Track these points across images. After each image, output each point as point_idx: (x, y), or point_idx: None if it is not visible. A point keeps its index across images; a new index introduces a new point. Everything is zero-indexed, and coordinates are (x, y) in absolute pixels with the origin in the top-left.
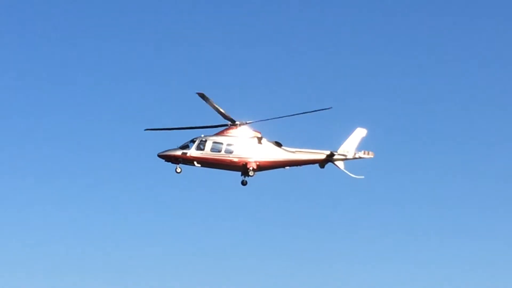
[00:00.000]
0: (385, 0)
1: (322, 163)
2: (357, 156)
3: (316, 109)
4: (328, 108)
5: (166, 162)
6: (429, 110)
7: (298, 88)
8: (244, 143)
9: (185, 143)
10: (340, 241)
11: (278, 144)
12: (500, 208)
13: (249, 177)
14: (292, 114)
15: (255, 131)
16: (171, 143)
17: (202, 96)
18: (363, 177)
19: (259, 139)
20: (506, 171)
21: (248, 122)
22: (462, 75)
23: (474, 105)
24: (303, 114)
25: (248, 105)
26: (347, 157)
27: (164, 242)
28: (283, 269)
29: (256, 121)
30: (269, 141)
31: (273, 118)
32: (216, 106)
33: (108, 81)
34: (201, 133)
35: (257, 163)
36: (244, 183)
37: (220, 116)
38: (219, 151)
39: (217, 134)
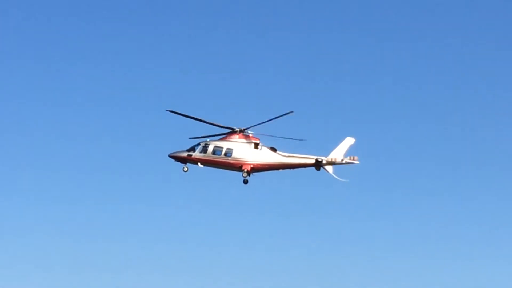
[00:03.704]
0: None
1: (315, 166)
2: (344, 161)
3: (280, 115)
4: (290, 112)
5: (175, 162)
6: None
7: (293, 101)
8: (241, 148)
9: (192, 146)
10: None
11: (274, 149)
12: (484, 216)
13: (245, 177)
14: (263, 122)
15: (254, 137)
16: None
17: (173, 112)
18: (347, 180)
19: (256, 145)
20: (488, 178)
21: (248, 128)
22: (446, 83)
23: (455, 113)
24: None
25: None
26: (335, 162)
27: (170, 236)
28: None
29: (253, 126)
30: (265, 146)
31: (255, 125)
32: (191, 116)
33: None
34: (212, 128)
35: (252, 166)
36: (245, 181)
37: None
38: (220, 154)
39: (220, 140)
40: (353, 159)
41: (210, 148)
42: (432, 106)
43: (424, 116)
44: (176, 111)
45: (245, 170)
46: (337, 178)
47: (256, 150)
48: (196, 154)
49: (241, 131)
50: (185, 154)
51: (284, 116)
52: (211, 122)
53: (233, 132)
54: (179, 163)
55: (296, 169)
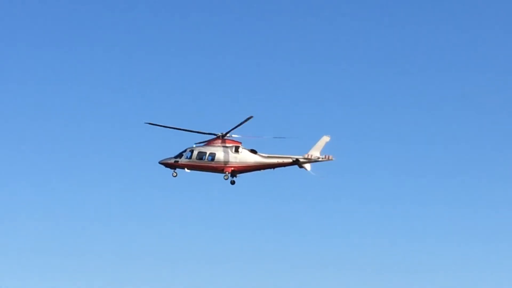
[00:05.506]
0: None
1: (297, 165)
2: (320, 159)
3: (242, 121)
4: (250, 117)
5: (166, 168)
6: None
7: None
8: (222, 152)
9: (179, 153)
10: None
11: (254, 151)
12: (454, 212)
13: (226, 179)
14: (232, 128)
15: (235, 141)
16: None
17: (151, 124)
18: (324, 177)
19: (236, 148)
20: (456, 175)
21: (228, 133)
22: (421, 82)
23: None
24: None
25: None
26: (312, 160)
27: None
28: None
29: (232, 130)
30: (245, 149)
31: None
32: (170, 127)
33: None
34: (194, 136)
35: (232, 168)
36: (232, 182)
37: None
38: (204, 159)
39: (205, 145)
40: (329, 158)
41: (195, 154)
42: (411, 104)
43: (402, 113)
44: (155, 123)
45: (226, 172)
46: (314, 174)
47: (236, 153)
48: (183, 160)
49: (223, 136)
50: (172, 161)
51: (248, 120)
52: (194, 130)
53: (216, 137)
54: (168, 169)
55: (277, 169)
